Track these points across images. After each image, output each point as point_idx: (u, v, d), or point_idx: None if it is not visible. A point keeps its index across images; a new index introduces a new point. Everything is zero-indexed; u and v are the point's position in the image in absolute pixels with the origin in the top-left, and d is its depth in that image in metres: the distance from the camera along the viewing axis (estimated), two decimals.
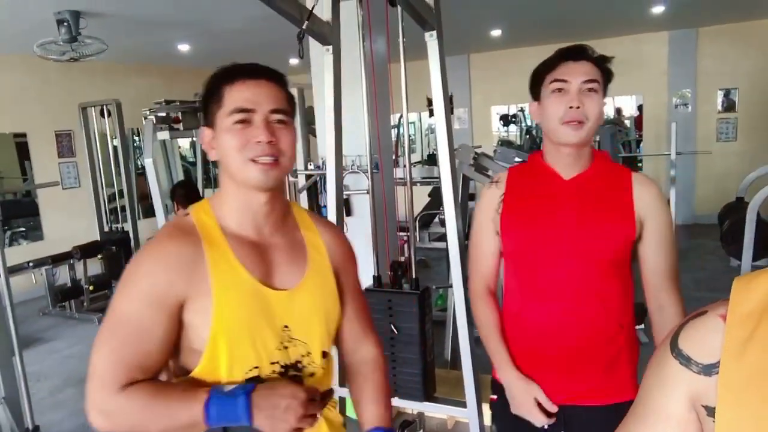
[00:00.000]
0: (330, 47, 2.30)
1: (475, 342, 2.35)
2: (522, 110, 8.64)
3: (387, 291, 2.39)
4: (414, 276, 2.42)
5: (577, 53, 1.36)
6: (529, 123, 8.73)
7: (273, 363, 1.04)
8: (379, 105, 2.69)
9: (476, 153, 3.22)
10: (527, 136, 8.62)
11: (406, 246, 6.56)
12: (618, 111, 8.54)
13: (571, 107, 1.32)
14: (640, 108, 8.46)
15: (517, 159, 3.70)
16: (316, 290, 1.11)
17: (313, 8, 2.09)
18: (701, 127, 7.69)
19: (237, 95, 1.02)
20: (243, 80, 1.03)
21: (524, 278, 1.46)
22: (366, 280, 2.61)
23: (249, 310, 1.02)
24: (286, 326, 1.06)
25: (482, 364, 1.99)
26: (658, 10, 6.01)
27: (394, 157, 7.55)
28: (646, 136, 8.22)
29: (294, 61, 7.13)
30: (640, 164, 8.34)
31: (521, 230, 1.43)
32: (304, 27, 2.06)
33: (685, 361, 0.66)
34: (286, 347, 1.06)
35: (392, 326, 2.35)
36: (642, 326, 4.01)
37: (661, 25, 7.09)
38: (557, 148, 1.40)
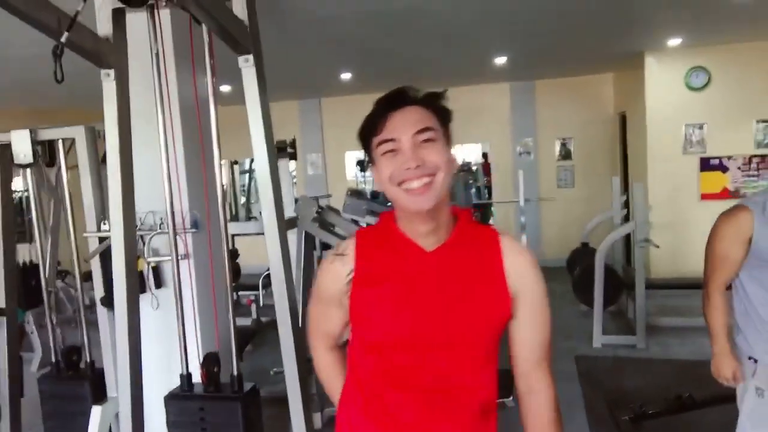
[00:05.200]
0: (111, 71, 1.72)
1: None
2: None
3: (197, 396, 1.78)
4: (236, 372, 1.84)
5: (399, 101, 1.09)
6: None
7: None
8: (189, 149, 2.13)
9: (320, 206, 2.73)
10: None
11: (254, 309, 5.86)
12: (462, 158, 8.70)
13: (408, 168, 1.05)
14: (485, 155, 8.70)
15: (367, 220, 3.24)
16: None
17: (76, 16, 1.52)
18: (543, 174, 8.05)
19: None
20: None
21: (379, 374, 1.16)
22: (174, 381, 1.99)
23: None
24: None
25: None
26: (500, 60, 6.16)
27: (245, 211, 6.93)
28: (493, 183, 8.45)
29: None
30: (493, 209, 8.55)
31: (377, 320, 1.13)
32: (63, 39, 1.49)
33: None
34: None
35: None
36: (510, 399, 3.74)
37: (503, 76, 7.36)
38: (409, 216, 1.11)
